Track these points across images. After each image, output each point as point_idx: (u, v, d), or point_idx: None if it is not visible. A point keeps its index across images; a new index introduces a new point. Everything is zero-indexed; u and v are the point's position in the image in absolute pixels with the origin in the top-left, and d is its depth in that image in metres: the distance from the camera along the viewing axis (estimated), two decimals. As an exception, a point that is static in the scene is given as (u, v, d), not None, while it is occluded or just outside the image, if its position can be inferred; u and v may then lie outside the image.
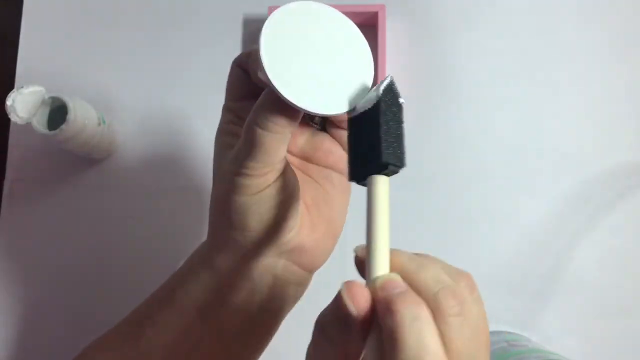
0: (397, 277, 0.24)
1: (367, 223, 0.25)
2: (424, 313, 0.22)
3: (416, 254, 0.26)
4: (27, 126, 0.44)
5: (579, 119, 0.49)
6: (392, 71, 0.51)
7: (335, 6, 0.50)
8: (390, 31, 0.51)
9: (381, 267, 0.24)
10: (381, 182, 0.26)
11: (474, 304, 0.24)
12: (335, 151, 0.32)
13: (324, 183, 0.33)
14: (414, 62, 0.51)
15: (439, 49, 0.51)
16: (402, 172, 0.51)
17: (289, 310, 0.36)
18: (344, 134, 0.30)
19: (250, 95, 0.29)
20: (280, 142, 0.27)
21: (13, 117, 0.42)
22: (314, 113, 0.26)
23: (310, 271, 0.34)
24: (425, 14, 0.51)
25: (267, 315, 0.34)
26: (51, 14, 0.54)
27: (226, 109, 0.31)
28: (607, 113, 0.49)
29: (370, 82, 0.27)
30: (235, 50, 0.52)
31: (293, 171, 0.31)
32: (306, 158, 0.33)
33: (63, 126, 0.44)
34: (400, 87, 0.52)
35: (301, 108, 0.25)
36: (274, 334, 0.36)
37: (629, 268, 0.46)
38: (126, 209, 0.51)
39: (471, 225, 0.48)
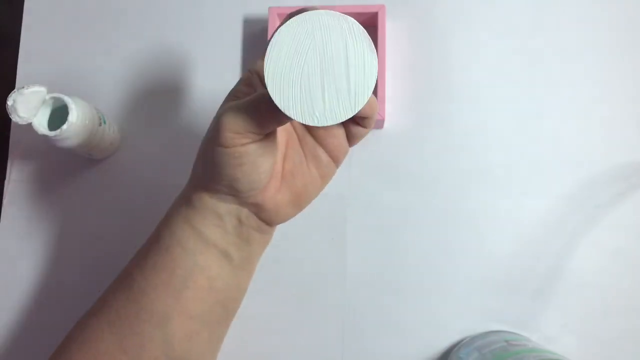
0: None
1: None
2: None
3: None
4: (28, 126, 0.44)
5: (579, 119, 0.49)
6: (392, 71, 0.51)
7: (336, 7, 0.50)
8: (390, 31, 0.51)
9: None
10: None
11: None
12: (339, 137, 0.34)
13: (311, 160, 0.35)
14: (414, 62, 0.51)
15: (439, 49, 0.51)
16: (402, 171, 0.52)
17: (259, 253, 0.38)
18: (358, 131, 0.33)
19: None
20: (272, 122, 0.30)
21: (14, 118, 0.42)
22: (311, 125, 0.28)
23: (270, 225, 0.37)
24: (425, 14, 0.52)
25: (238, 255, 0.36)
26: (52, 14, 0.55)
27: (248, 71, 0.34)
28: (607, 113, 0.49)
29: (370, 90, 0.28)
30: (235, 50, 0.52)
31: (277, 138, 0.33)
32: (310, 130, 0.35)
33: (64, 126, 0.44)
34: (400, 87, 0.52)
35: (296, 120, 0.28)
36: (251, 277, 0.39)
37: (628, 268, 0.46)
38: (127, 209, 0.51)
39: (471, 225, 0.48)
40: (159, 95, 0.53)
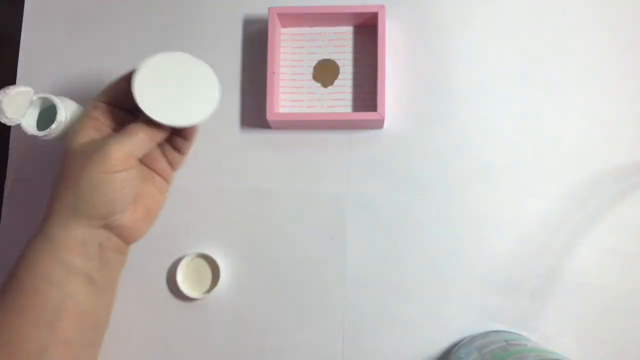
0: None
1: None
2: None
3: None
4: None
5: (578, 119, 0.49)
6: (393, 71, 0.50)
7: (336, 7, 0.49)
8: (390, 31, 0.50)
9: None
10: None
11: None
12: (161, 161, 0.44)
13: (149, 181, 0.43)
14: (414, 62, 0.50)
15: (439, 49, 0.50)
16: (402, 172, 0.52)
17: (118, 274, 0.43)
18: (183, 144, 0.43)
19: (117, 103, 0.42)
20: (149, 145, 0.40)
21: (2, 119, 0.41)
22: (170, 125, 0.39)
23: (128, 244, 0.43)
24: (425, 14, 0.51)
25: (101, 278, 0.41)
26: (52, 14, 0.54)
27: (95, 106, 0.41)
28: (607, 113, 0.49)
29: (214, 105, 0.40)
30: (235, 50, 0.51)
31: (139, 170, 0.41)
32: (144, 161, 0.43)
33: (52, 126, 0.43)
34: (400, 87, 0.52)
35: (160, 122, 0.39)
36: (114, 297, 0.44)
37: (628, 268, 0.47)
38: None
39: (470, 225, 0.48)
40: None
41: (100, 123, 0.41)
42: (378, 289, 0.48)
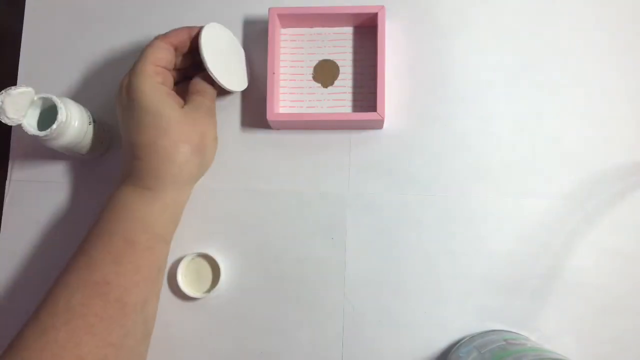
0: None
1: None
2: None
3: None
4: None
5: (578, 119, 0.49)
6: (392, 71, 0.50)
7: (336, 8, 0.49)
8: (390, 31, 0.50)
9: None
10: None
11: None
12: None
13: None
14: (414, 62, 0.50)
15: (439, 49, 0.50)
16: (402, 172, 0.52)
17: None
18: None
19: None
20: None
21: (3, 119, 0.42)
22: (222, 86, 0.47)
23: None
24: (425, 14, 0.51)
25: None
26: (53, 14, 0.54)
27: (159, 47, 0.46)
28: (607, 113, 0.49)
29: (245, 85, 0.50)
30: None
31: None
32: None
33: (53, 126, 0.43)
34: (400, 87, 0.51)
35: (223, 85, 0.47)
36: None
37: (627, 268, 0.47)
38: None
39: (470, 225, 0.48)
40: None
41: (162, 69, 0.46)
42: (378, 288, 0.48)
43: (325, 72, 0.50)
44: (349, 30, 0.51)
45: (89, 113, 0.47)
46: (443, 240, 0.48)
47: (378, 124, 0.48)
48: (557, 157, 0.48)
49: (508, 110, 0.49)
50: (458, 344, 0.46)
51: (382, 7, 0.48)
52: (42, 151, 0.51)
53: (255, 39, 0.51)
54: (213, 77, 0.45)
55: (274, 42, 0.48)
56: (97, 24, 0.53)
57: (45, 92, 0.44)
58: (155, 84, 0.44)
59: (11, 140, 0.52)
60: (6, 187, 0.52)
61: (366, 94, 0.50)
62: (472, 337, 0.46)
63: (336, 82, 0.50)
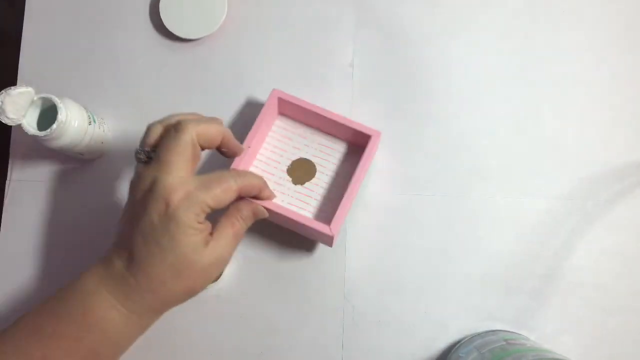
0: None
1: None
2: None
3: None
4: (24, 127, 0.44)
5: (578, 119, 0.49)
6: (392, 71, 0.50)
7: (336, 115, 0.47)
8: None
9: None
10: None
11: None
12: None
13: None
14: (414, 61, 0.50)
15: (439, 49, 0.50)
16: (401, 172, 0.52)
17: None
18: None
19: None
20: None
21: (3, 119, 0.42)
22: None
23: None
24: (423, 14, 0.51)
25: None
26: (53, 14, 0.54)
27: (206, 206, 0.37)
28: (607, 113, 0.49)
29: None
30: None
31: None
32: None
33: (53, 126, 0.43)
34: (399, 87, 0.51)
35: None
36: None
37: (626, 267, 0.47)
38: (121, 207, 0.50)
39: (470, 225, 0.48)
40: (160, 94, 0.52)
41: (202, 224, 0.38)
42: (378, 288, 0.48)
43: (301, 171, 0.48)
44: (342, 146, 0.49)
45: (89, 113, 0.48)
46: (443, 240, 0.48)
47: (328, 240, 0.45)
48: (557, 157, 0.48)
49: (508, 111, 0.49)
50: (458, 344, 0.46)
51: (378, 132, 0.45)
52: (42, 151, 0.51)
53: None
54: None
55: (264, 119, 0.46)
56: (97, 24, 0.53)
57: (45, 92, 0.44)
58: (197, 230, 0.36)
59: (11, 140, 0.52)
60: (6, 187, 0.52)
61: (330, 207, 0.47)
62: (472, 337, 0.46)
63: (307, 184, 0.48)
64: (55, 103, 0.44)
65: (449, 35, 0.51)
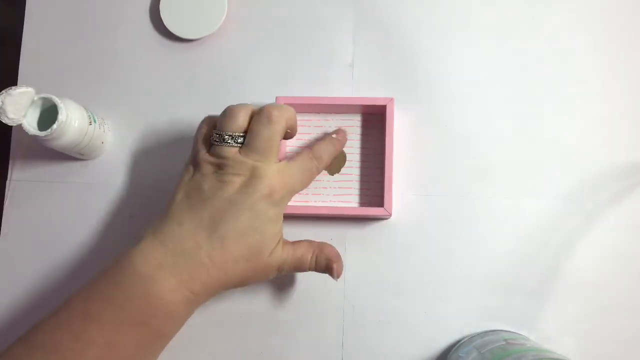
0: None
1: None
2: None
3: None
4: (24, 126, 0.44)
5: (579, 119, 0.49)
6: (391, 72, 0.50)
7: (344, 98, 0.48)
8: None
9: None
10: None
11: None
12: None
13: None
14: (413, 62, 0.50)
15: (439, 49, 0.50)
16: (401, 172, 0.52)
17: None
18: None
19: None
20: None
21: (3, 119, 0.42)
22: None
23: None
24: (423, 14, 0.51)
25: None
26: (54, 14, 0.54)
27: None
28: (607, 113, 0.49)
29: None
30: None
31: None
32: None
33: (54, 126, 0.43)
34: (398, 87, 0.51)
35: None
36: None
37: (628, 268, 0.47)
38: (125, 208, 0.50)
39: (470, 225, 0.48)
40: (159, 94, 0.52)
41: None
42: (378, 288, 0.48)
43: (332, 160, 0.47)
44: (357, 118, 0.49)
45: (89, 113, 0.48)
46: (443, 240, 0.48)
47: (384, 217, 0.47)
48: (557, 157, 0.48)
49: (508, 110, 0.49)
50: (458, 344, 0.46)
51: (392, 99, 0.46)
52: (42, 151, 0.51)
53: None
54: None
55: None
56: (97, 24, 0.53)
57: (45, 92, 0.44)
58: (282, 224, 0.41)
59: (11, 140, 0.52)
60: (6, 187, 0.52)
61: (372, 182, 0.48)
62: (472, 337, 0.46)
63: (342, 170, 0.48)
64: (56, 103, 0.44)
65: (449, 35, 0.51)
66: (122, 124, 0.52)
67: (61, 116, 0.43)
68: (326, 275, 0.49)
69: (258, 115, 0.40)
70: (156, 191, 0.50)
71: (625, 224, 0.47)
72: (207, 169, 0.40)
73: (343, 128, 0.46)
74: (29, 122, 0.44)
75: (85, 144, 0.47)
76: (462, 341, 0.46)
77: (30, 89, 0.43)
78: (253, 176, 0.39)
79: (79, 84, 0.52)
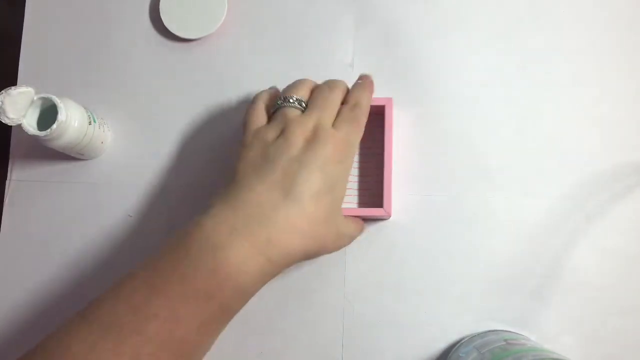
0: None
1: None
2: None
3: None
4: (24, 127, 0.44)
5: (579, 118, 0.49)
6: (391, 72, 0.50)
7: None
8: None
9: None
10: None
11: None
12: None
13: None
14: (413, 62, 0.50)
15: (439, 49, 0.50)
16: (401, 172, 0.52)
17: None
18: None
19: None
20: None
21: (3, 119, 0.42)
22: None
23: None
24: (423, 14, 0.51)
25: None
26: (54, 14, 0.54)
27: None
28: (607, 113, 0.49)
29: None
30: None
31: None
32: None
33: (54, 126, 0.44)
34: (398, 87, 0.51)
35: None
36: None
37: (628, 268, 0.47)
38: (125, 208, 0.51)
39: (470, 225, 0.48)
40: (158, 95, 0.52)
41: None
42: (378, 288, 0.48)
43: None
44: None
45: (89, 113, 0.48)
46: (442, 240, 0.48)
47: (383, 218, 0.47)
48: (557, 157, 0.48)
49: (508, 110, 0.49)
50: (458, 344, 0.46)
51: (390, 99, 0.46)
52: (42, 151, 0.51)
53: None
54: None
55: None
56: (97, 24, 0.53)
57: (45, 92, 0.44)
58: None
59: (11, 140, 0.52)
60: (6, 187, 0.52)
61: (371, 183, 0.48)
62: (472, 337, 0.46)
63: None
64: (55, 103, 0.44)
65: (449, 35, 0.51)
66: (122, 124, 0.52)
67: (61, 116, 0.44)
68: (326, 276, 0.49)
69: (318, 85, 0.44)
70: (156, 191, 0.50)
71: (626, 224, 0.47)
72: (270, 134, 0.40)
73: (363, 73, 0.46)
74: (29, 122, 0.44)
75: (85, 144, 0.47)
76: (462, 341, 0.46)
77: (29, 89, 0.43)
78: (316, 135, 0.39)
79: (79, 84, 0.53)
